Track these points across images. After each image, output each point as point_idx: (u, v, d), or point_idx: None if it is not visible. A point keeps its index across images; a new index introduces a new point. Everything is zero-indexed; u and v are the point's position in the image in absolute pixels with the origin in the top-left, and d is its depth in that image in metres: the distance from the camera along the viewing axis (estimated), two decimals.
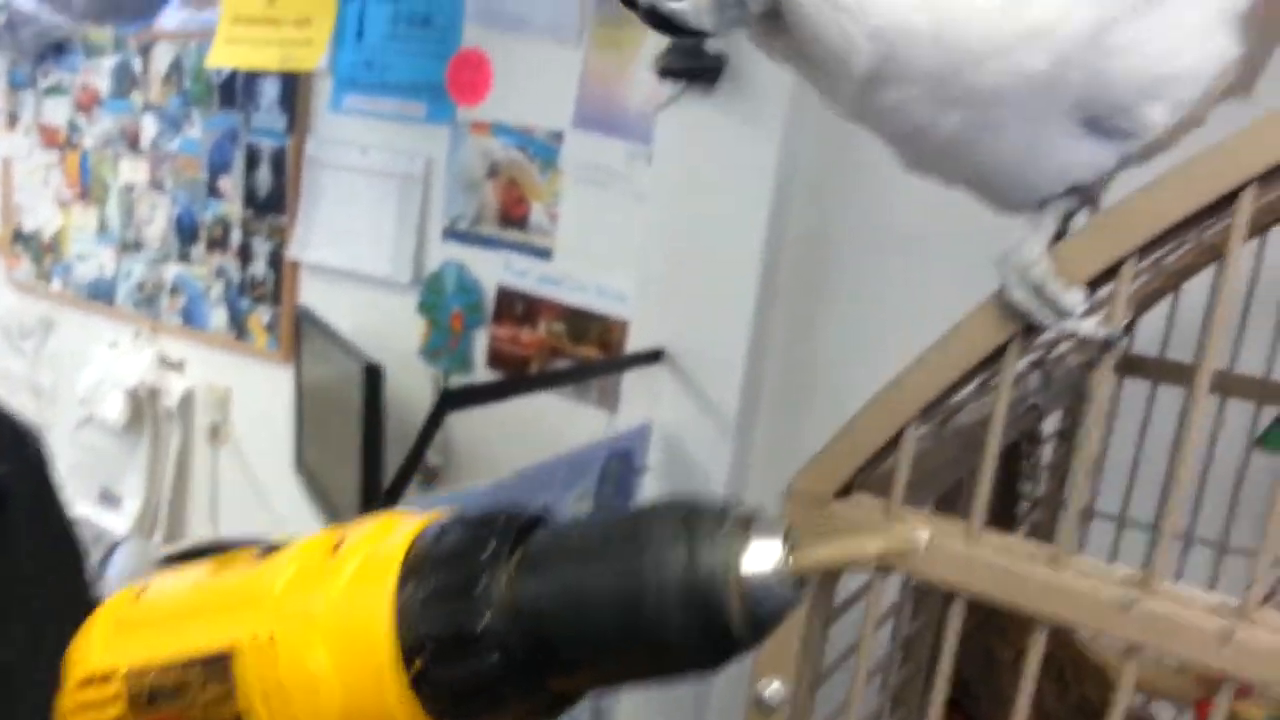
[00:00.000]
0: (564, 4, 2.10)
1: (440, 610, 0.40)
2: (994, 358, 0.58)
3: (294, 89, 2.55)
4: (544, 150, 2.20)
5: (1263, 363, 1.28)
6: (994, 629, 1.02)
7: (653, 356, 1.98)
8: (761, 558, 0.37)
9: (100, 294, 3.12)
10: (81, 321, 3.21)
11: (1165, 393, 1.33)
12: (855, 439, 0.62)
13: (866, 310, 1.89)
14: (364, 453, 2.04)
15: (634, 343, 2.08)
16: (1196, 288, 1.17)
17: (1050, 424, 1.33)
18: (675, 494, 0.41)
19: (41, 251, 3.26)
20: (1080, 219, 0.60)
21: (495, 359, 2.36)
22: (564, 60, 2.12)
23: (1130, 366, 1.34)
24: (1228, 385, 1.30)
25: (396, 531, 0.44)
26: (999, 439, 0.59)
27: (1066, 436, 1.37)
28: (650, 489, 2.03)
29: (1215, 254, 1.15)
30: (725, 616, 0.37)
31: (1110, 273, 0.55)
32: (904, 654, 0.88)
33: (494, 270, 2.32)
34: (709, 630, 0.37)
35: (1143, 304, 1.20)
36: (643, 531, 0.38)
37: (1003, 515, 1.10)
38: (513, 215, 2.27)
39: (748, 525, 0.38)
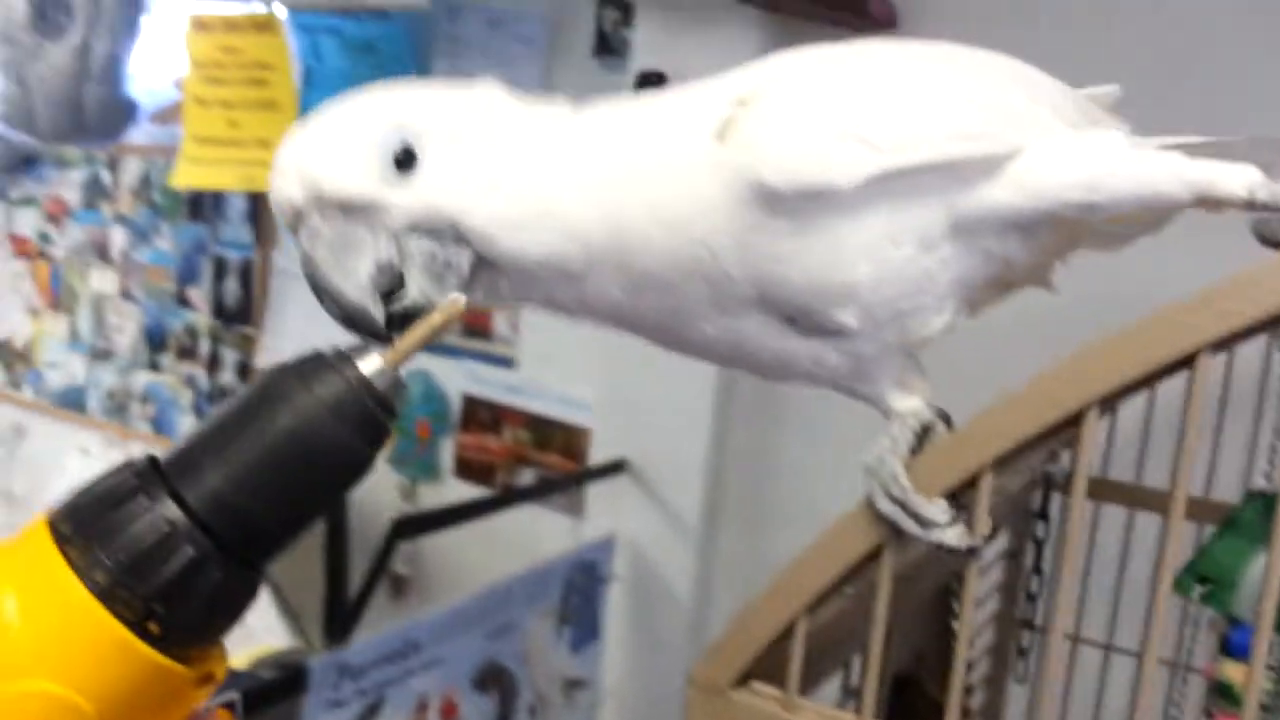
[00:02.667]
0: None
1: (117, 539, 0.44)
2: (873, 556, 0.61)
3: (261, 203, 2.59)
4: None
5: (1201, 481, 1.30)
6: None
7: (615, 468, 1.99)
8: (368, 365, 0.48)
9: (71, 402, 3.13)
10: (53, 429, 3.20)
11: (1106, 511, 1.34)
12: (748, 632, 0.65)
13: (825, 419, 1.91)
14: (328, 568, 2.03)
15: (597, 451, 2.10)
16: (1132, 407, 1.20)
17: (997, 545, 1.35)
18: (282, 363, 0.49)
19: (12, 359, 3.27)
20: (940, 430, 0.63)
21: (462, 466, 2.37)
22: None
23: (1069, 487, 1.36)
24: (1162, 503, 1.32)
25: (20, 535, 0.46)
26: (880, 642, 0.60)
27: (1014, 555, 1.39)
28: (617, 599, 2.03)
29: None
30: (370, 412, 0.48)
31: (970, 482, 0.58)
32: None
33: (459, 379, 2.34)
34: (364, 429, 0.47)
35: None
36: (271, 399, 0.47)
37: (942, 653, 1.11)
38: (477, 325, 2.29)
39: (344, 353, 0.48)
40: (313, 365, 0.48)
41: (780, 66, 0.61)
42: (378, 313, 0.54)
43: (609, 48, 2.05)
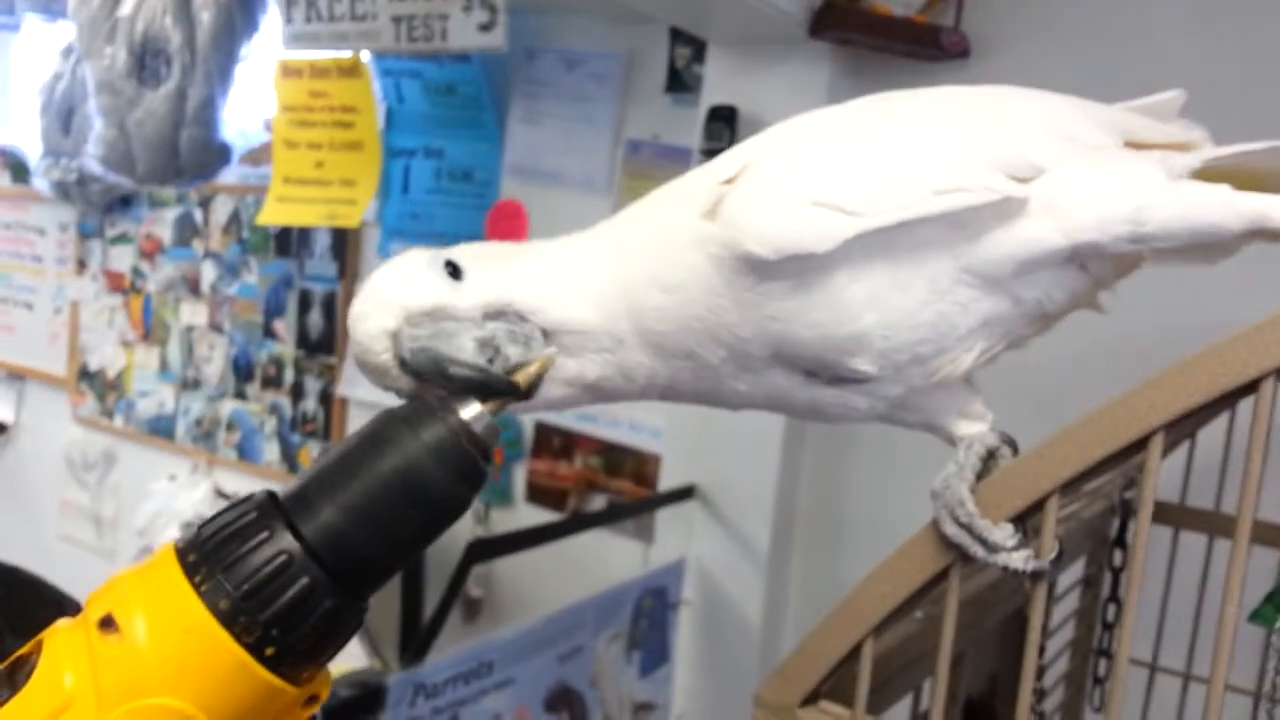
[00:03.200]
0: (595, 158, 2.21)
1: (239, 569, 0.48)
2: (940, 578, 0.62)
3: (344, 238, 2.70)
4: None
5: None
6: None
7: (684, 493, 2.01)
8: (469, 411, 0.53)
9: (160, 429, 3.25)
10: (142, 455, 3.33)
11: (1187, 539, 1.33)
12: (815, 653, 0.66)
13: (894, 443, 1.91)
14: (404, 590, 2.09)
15: (667, 477, 2.12)
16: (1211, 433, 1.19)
17: (1074, 571, 1.34)
18: (391, 411, 0.54)
19: (105, 389, 3.42)
20: (1005, 455, 0.64)
21: (534, 491, 2.41)
22: (596, 208, 2.22)
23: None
24: (1209, 523, 1.31)
25: (149, 561, 0.50)
26: (948, 665, 0.62)
27: (1091, 583, 1.38)
28: (686, 623, 2.04)
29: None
30: (467, 455, 0.52)
31: (1037, 506, 0.59)
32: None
33: None
34: (463, 470, 0.52)
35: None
36: (380, 442, 0.52)
37: (1017, 679, 1.11)
38: None
39: (446, 401, 0.54)
40: (419, 411, 0.53)
41: (771, 137, 0.65)
42: (495, 369, 0.59)
43: (681, 84, 2.10)
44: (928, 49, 1.72)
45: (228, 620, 0.47)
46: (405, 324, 0.59)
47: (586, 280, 0.63)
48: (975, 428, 0.67)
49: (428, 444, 0.51)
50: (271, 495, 0.52)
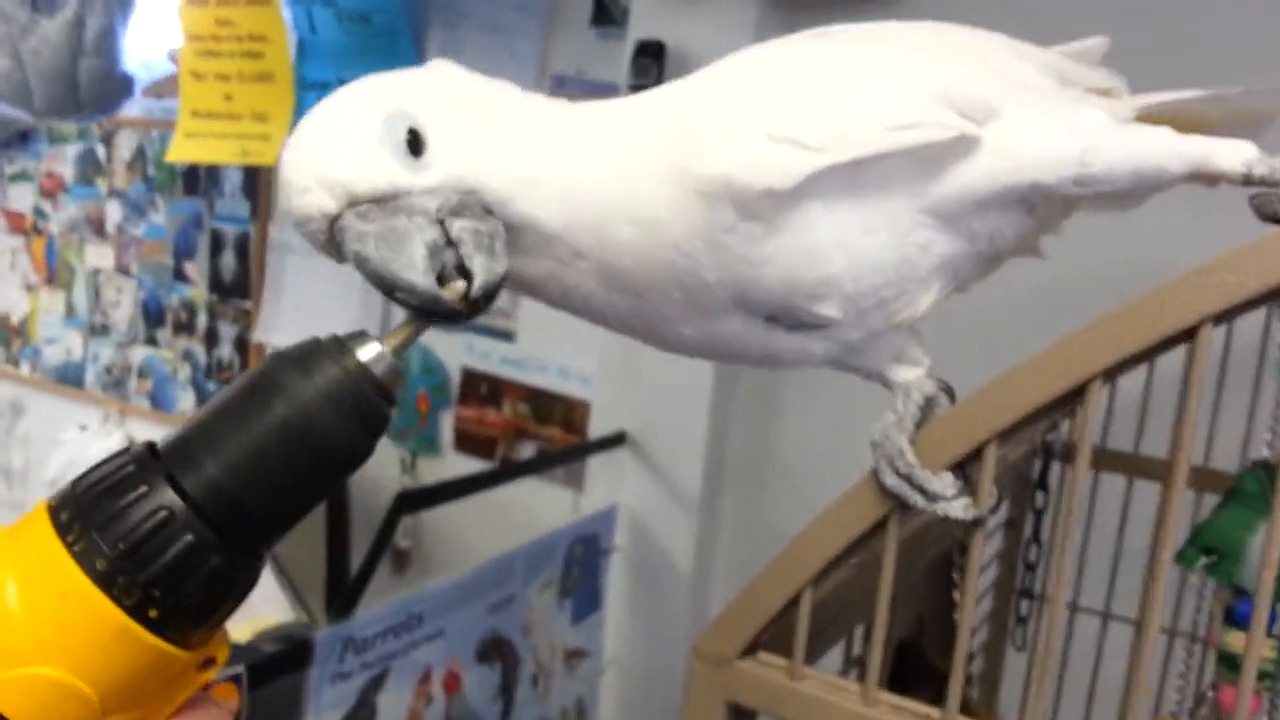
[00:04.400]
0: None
1: (116, 526, 0.44)
2: (878, 528, 0.62)
3: (256, 175, 2.58)
4: None
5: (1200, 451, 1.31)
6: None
7: (615, 440, 2.00)
8: (367, 352, 0.48)
9: (68, 377, 3.13)
10: (50, 404, 3.20)
11: (1106, 480, 1.35)
12: (755, 604, 0.66)
13: (824, 388, 1.91)
14: (329, 541, 2.05)
15: (597, 424, 2.10)
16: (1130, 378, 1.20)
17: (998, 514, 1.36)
18: (278, 352, 0.49)
19: (9, 335, 3.27)
20: (943, 402, 0.64)
21: (462, 440, 2.37)
22: None
23: (1068, 456, 1.37)
24: (1136, 466, 1.33)
25: (19, 522, 0.46)
26: (886, 612, 0.61)
27: (1014, 525, 1.40)
28: (618, 570, 2.04)
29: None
30: (368, 400, 0.47)
31: (975, 454, 0.58)
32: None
33: (458, 352, 2.34)
34: (365, 416, 0.47)
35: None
36: (269, 387, 0.47)
37: (943, 619, 1.12)
38: None
39: (341, 341, 0.48)
40: (310, 353, 0.48)
41: (723, 72, 0.62)
42: (445, 295, 0.54)
43: (608, 17, 2.03)
44: None
45: (105, 582, 0.43)
46: (349, 209, 0.53)
47: (562, 172, 0.57)
48: (913, 373, 0.67)
49: (321, 389, 0.47)
50: (151, 446, 0.47)
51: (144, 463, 0.46)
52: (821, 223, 0.57)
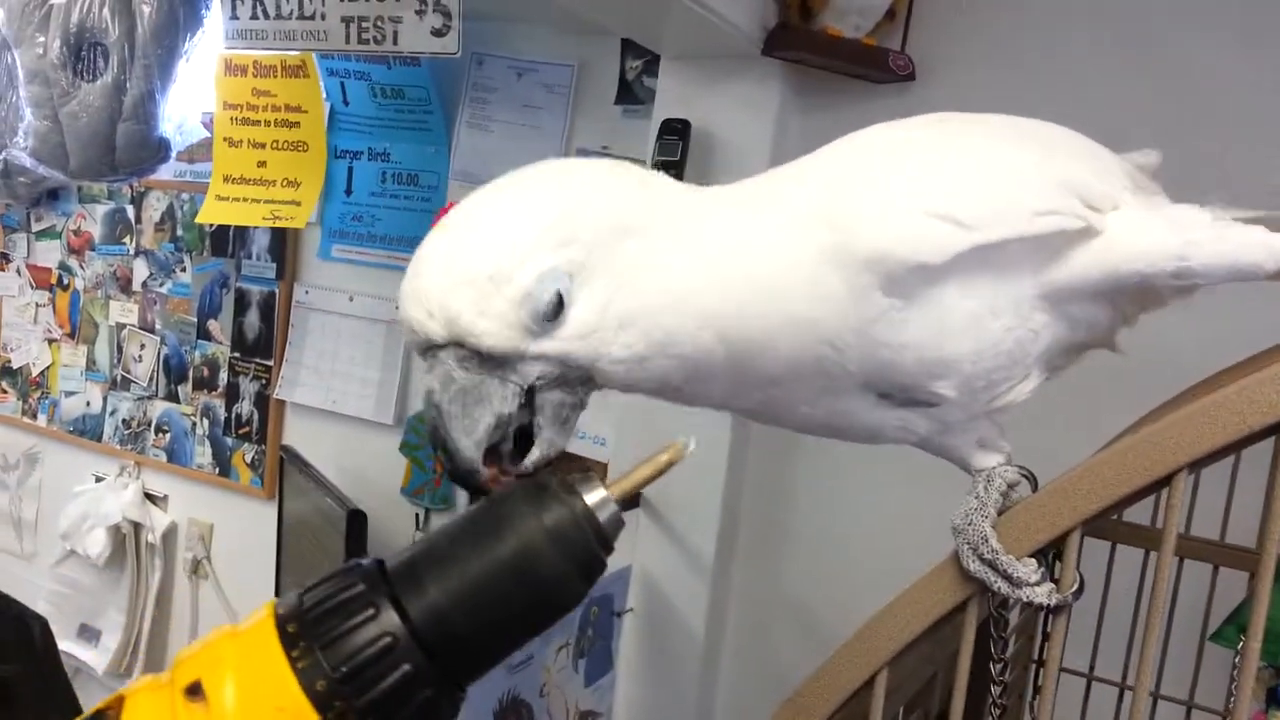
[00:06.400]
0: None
1: (340, 647, 0.45)
2: (959, 609, 0.62)
3: (283, 238, 2.64)
4: None
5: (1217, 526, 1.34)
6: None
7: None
8: (592, 496, 0.49)
9: (86, 430, 3.16)
10: (67, 456, 3.23)
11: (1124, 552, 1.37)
12: (829, 682, 0.65)
13: (837, 452, 1.95)
14: None
15: None
16: None
17: None
18: (512, 485, 0.50)
19: (28, 387, 3.30)
20: (1024, 488, 0.65)
21: (476, 497, 2.39)
22: None
23: (1097, 530, 1.39)
24: (1184, 548, 1.35)
25: (246, 625, 0.47)
26: (963, 694, 0.63)
27: None
28: (630, 632, 2.05)
29: None
30: (589, 542, 0.49)
31: (1059, 540, 0.59)
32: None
33: None
34: (582, 560, 0.48)
35: None
36: (500, 520, 0.49)
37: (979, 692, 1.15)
38: None
39: (571, 484, 0.50)
40: (542, 490, 0.49)
41: (855, 151, 0.63)
42: (484, 471, 0.54)
43: (631, 96, 2.10)
44: (875, 70, 1.75)
45: (322, 704, 0.45)
46: (453, 353, 0.51)
47: (688, 335, 0.55)
48: (993, 459, 0.67)
49: (548, 527, 0.48)
50: (380, 565, 0.48)
51: (373, 581, 0.47)
52: (958, 305, 0.59)
